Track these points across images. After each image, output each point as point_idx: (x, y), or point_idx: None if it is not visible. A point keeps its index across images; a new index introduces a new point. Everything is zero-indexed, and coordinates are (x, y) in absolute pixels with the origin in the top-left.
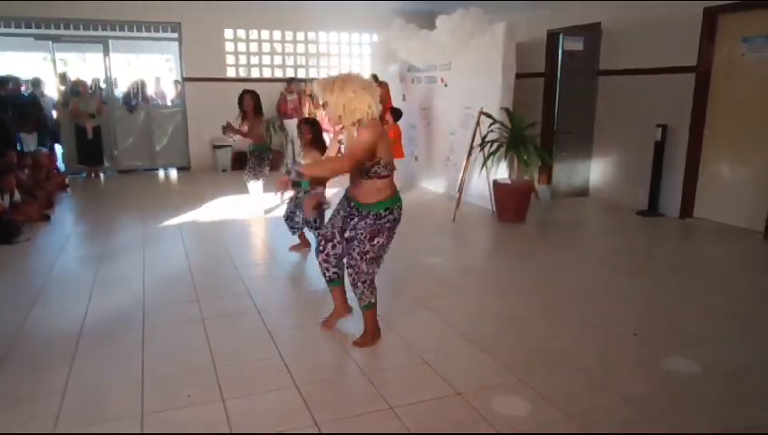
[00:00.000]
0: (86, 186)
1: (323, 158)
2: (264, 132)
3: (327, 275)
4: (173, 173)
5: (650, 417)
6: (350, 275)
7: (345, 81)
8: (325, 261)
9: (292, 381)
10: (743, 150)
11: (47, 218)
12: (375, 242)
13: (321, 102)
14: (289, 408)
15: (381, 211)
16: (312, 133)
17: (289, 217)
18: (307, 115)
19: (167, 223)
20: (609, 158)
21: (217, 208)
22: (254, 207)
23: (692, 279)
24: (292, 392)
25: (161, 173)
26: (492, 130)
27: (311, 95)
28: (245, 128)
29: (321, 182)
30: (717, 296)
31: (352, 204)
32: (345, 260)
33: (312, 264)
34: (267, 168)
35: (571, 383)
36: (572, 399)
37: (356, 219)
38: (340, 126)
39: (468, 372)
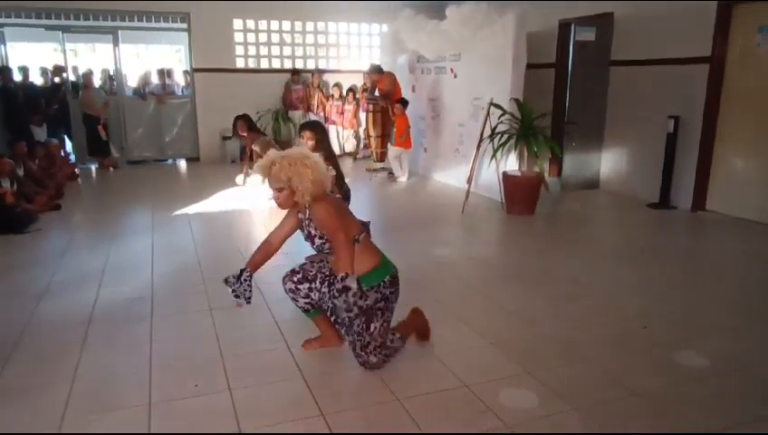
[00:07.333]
0: (96, 176)
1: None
2: (270, 140)
3: (297, 305)
4: (182, 164)
5: (659, 410)
6: (351, 343)
7: (289, 170)
8: (292, 291)
9: (299, 371)
10: (757, 142)
11: (57, 208)
12: (372, 330)
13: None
14: (295, 398)
15: (365, 289)
16: (315, 138)
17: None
18: (315, 107)
19: (175, 213)
20: (620, 149)
21: (226, 199)
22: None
23: (703, 272)
24: (299, 383)
25: (170, 164)
26: (501, 122)
27: (319, 86)
28: (253, 148)
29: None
30: (728, 290)
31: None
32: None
33: None
34: None
35: (580, 376)
36: (581, 392)
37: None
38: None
39: (476, 364)
